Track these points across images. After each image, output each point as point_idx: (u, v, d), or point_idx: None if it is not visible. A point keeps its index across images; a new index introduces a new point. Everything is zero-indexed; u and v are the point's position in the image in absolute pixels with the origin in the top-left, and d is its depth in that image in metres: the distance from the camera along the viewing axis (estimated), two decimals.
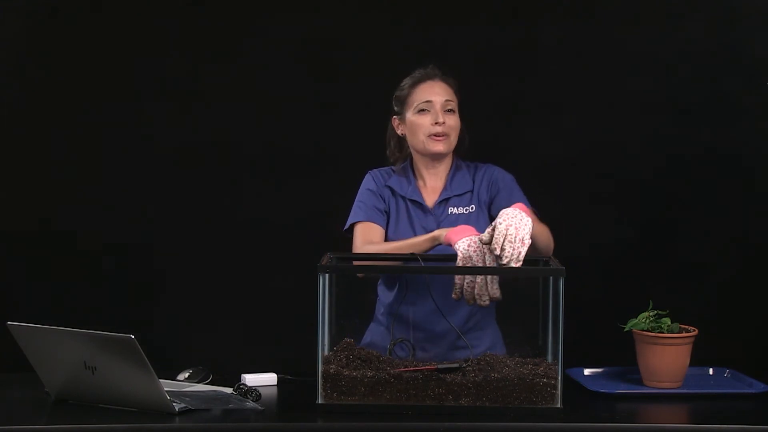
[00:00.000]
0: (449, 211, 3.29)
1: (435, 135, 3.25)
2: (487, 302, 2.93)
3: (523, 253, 2.84)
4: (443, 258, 3.09)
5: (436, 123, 3.25)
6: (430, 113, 3.26)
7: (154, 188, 4.42)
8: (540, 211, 3.23)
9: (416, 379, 2.77)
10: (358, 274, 3.24)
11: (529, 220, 2.88)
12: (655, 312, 2.99)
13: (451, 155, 3.34)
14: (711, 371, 3.15)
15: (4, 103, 4.38)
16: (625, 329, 3.00)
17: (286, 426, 2.75)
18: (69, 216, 4.39)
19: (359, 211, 3.30)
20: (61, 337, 2.76)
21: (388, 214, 3.31)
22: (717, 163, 4.36)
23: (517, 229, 2.84)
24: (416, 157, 3.34)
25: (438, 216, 3.28)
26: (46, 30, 4.37)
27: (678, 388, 2.96)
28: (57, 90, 4.37)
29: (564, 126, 4.37)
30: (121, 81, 4.37)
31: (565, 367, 2.79)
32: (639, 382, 3.00)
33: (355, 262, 3.17)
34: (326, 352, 2.82)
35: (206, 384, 3.04)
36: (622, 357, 3.09)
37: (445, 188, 3.32)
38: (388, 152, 3.41)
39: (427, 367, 2.80)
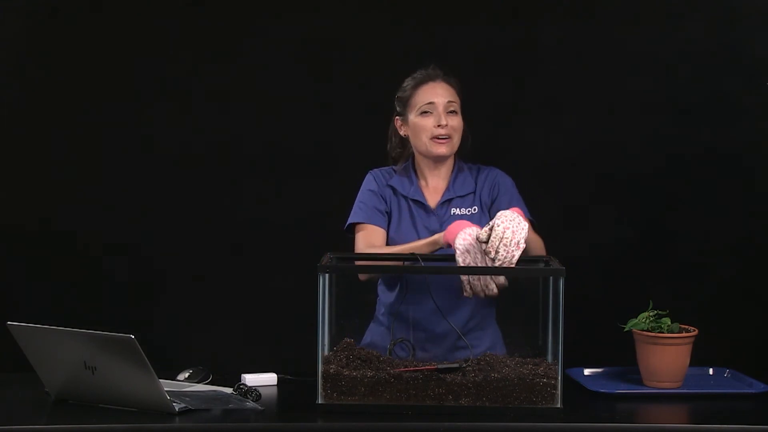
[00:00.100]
0: (452, 211, 3.29)
1: (438, 137, 3.25)
2: (495, 290, 2.97)
3: (517, 257, 2.86)
4: (443, 258, 3.09)
5: (438, 125, 3.25)
6: (432, 115, 3.26)
7: (154, 188, 4.41)
8: (540, 211, 3.23)
9: (416, 379, 2.77)
10: (360, 277, 3.24)
11: (526, 224, 2.89)
12: (655, 312, 2.98)
13: (453, 156, 3.34)
14: (711, 371, 3.15)
15: (4, 103, 4.38)
16: (625, 329, 3.00)
17: (286, 426, 2.75)
18: (69, 216, 4.39)
19: (359, 212, 3.30)
20: (61, 337, 2.76)
21: (389, 214, 3.31)
22: (717, 163, 4.36)
23: (514, 232, 2.86)
24: (418, 158, 3.34)
25: (441, 216, 3.28)
26: (46, 30, 4.37)
27: (678, 388, 2.96)
28: (57, 90, 4.37)
29: (564, 126, 4.37)
30: (121, 81, 4.37)
31: (565, 367, 2.79)
32: (639, 382, 3.00)
33: (358, 263, 3.16)
34: (326, 352, 2.82)
35: (206, 384, 3.04)
36: (622, 357, 3.09)
37: (447, 189, 3.32)
38: (389, 148, 3.40)
39: (427, 367, 2.80)
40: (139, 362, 2.66)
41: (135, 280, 4.43)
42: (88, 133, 4.40)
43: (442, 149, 3.26)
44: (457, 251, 2.93)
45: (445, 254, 3.07)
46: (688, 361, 2.98)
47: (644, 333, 2.95)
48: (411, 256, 3.08)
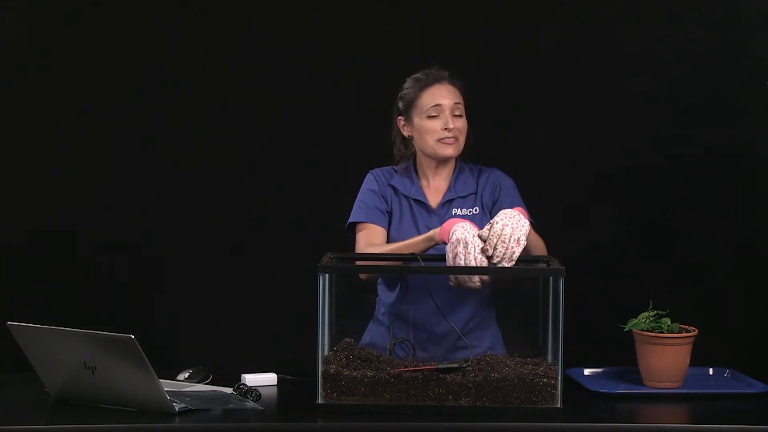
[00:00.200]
0: (453, 212, 3.29)
1: (445, 139, 3.25)
2: (478, 283, 3.01)
3: (517, 253, 2.87)
4: (443, 258, 3.08)
5: (446, 128, 3.25)
6: (439, 118, 3.26)
7: (154, 188, 4.41)
8: (540, 211, 3.23)
9: (416, 379, 2.77)
10: (360, 276, 3.24)
11: (526, 222, 2.90)
12: (655, 312, 2.98)
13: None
14: (711, 371, 3.15)
15: (4, 103, 4.38)
16: (625, 329, 3.00)
17: (286, 426, 2.75)
18: (69, 216, 4.39)
19: (360, 211, 3.30)
20: (61, 337, 2.76)
21: (390, 214, 3.31)
22: (717, 163, 4.36)
23: (513, 229, 2.86)
24: (421, 158, 3.34)
25: (442, 216, 3.28)
26: (46, 30, 4.37)
27: (678, 388, 2.96)
28: (57, 90, 4.37)
29: (564, 126, 4.37)
30: (121, 81, 4.37)
31: (565, 367, 2.79)
32: (639, 382, 3.00)
33: (358, 262, 3.16)
34: (326, 352, 2.82)
35: (206, 384, 3.04)
36: (622, 357, 3.09)
37: (449, 189, 3.32)
38: (395, 150, 3.40)
39: (427, 367, 2.80)
40: (139, 362, 2.66)
41: (135, 280, 4.43)
42: (88, 133, 4.40)
43: (449, 151, 3.27)
44: (453, 238, 2.91)
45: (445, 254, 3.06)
46: (688, 361, 2.98)
47: (644, 333, 2.95)
48: (411, 256, 3.08)
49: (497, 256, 2.85)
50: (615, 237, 4.38)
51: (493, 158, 3.43)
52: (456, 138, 3.26)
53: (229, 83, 4.40)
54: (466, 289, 3.10)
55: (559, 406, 2.75)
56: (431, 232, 3.09)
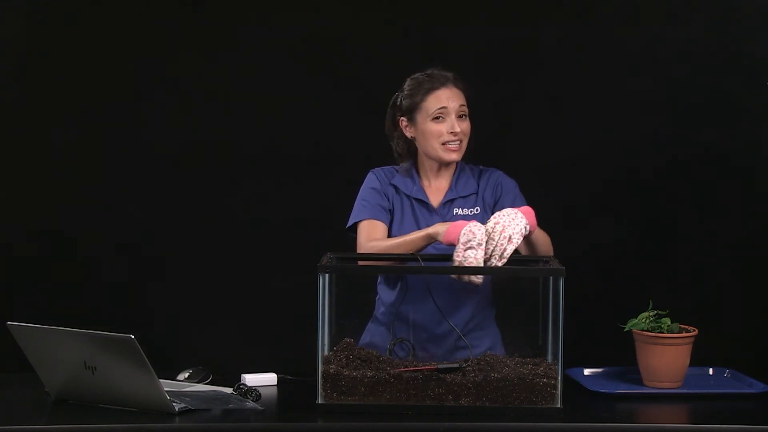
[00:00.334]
0: (454, 212, 3.29)
1: (449, 143, 3.25)
2: (477, 281, 2.97)
3: (509, 251, 2.88)
4: (443, 258, 3.09)
5: (451, 132, 3.24)
6: (445, 121, 3.25)
7: (154, 188, 4.42)
8: (540, 211, 3.22)
9: (416, 379, 2.77)
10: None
11: (523, 219, 2.90)
12: (655, 312, 2.98)
13: None
14: (711, 371, 3.15)
15: (4, 103, 4.38)
16: (625, 329, 3.00)
17: (286, 426, 2.75)
18: (69, 216, 4.39)
19: (363, 210, 3.29)
20: (61, 337, 2.76)
21: (392, 212, 3.31)
22: (717, 163, 4.36)
23: (504, 226, 2.87)
24: (423, 159, 3.34)
25: (443, 216, 3.28)
26: (46, 30, 4.37)
27: (678, 388, 2.96)
28: (57, 90, 4.37)
29: (564, 126, 4.37)
30: (121, 81, 4.38)
31: (565, 367, 2.79)
32: (639, 382, 3.00)
33: (360, 262, 3.16)
34: (326, 352, 2.82)
35: (206, 384, 3.04)
36: (622, 357, 3.08)
37: (450, 189, 3.32)
38: (395, 145, 3.37)
39: (427, 367, 2.80)
40: (139, 362, 2.66)
41: (135, 280, 4.43)
42: (88, 133, 4.40)
43: (453, 155, 3.26)
44: (460, 243, 2.90)
45: (446, 254, 3.06)
46: (688, 361, 2.98)
47: (644, 333, 2.95)
48: (411, 256, 3.08)
49: (487, 253, 2.86)
50: (615, 237, 4.38)
51: (494, 158, 3.43)
52: (460, 141, 3.26)
53: (229, 83, 4.40)
54: (467, 288, 3.09)
55: (559, 406, 2.75)
56: (432, 230, 3.08)
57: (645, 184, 4.38)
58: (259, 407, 2.78)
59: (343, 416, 2.73)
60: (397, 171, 3.36)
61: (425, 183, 3.34)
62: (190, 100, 4.40)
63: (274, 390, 2.99)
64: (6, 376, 3.14)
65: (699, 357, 3.02)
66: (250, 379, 3.00)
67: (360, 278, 3.26)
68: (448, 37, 4.35)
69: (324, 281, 2.80)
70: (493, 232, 2.89)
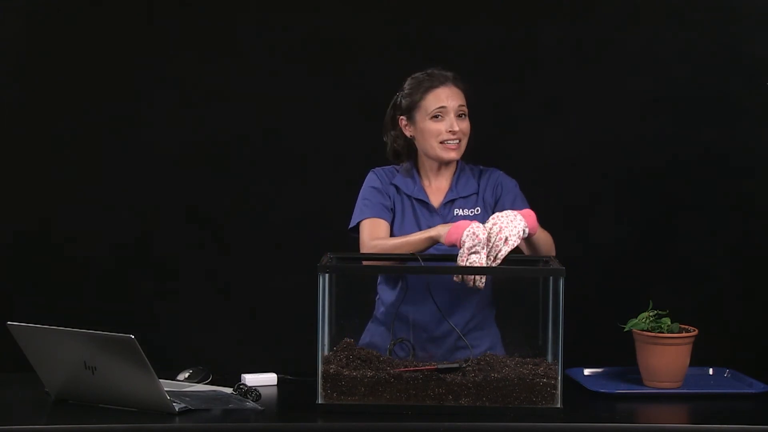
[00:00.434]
0: (455, 212, 3.29)
1: (448, 142, 3.25)
2: (480, 284, 2.96)
3: (504, 252, 2.88)
4: (443, 258, 3.09)
5: (450, 130, 3.24)
6: (444, 120, 3.25)
7: (154, 188, 4.41)
8: (540, 211, 3.22)
9: (416, 379, 2.77)
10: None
11: (522, 222, 2.90)
12: (655, 312, 2.98)
13: None
14: (711, 371, 3.15)
15: (4, 103, 4.38)
16: (625, 329, 3.00)
17: (286, 426, 2.75)
18: (69, 216, 4.39)
19: (365, 209, 3.29)
20: (61, 337, 2.76)
21: (393, 212, 3.31)
22: (717, 163, 4.36)
23: (501, 228, 2.88)
24: (422, 159, 3.34)
25: (444, 217, 3.28)
26: (46, 30, 4.37)
27: (678, 388, 2.96)
28: (57, 90, 4.37)
29: (564, 126, 4.37)
30: (121, 81, 4.38)
31: (565, 367, 2.79)
32: (639, 382, 3.00)
33: (361, 262, 3.16)
34: (326, 352, 2.82)
35: (206, 384, 3.04)
36: (622, 357, 3.08)
37: (450, 189, 3.31)
38: (394, 144, 3.36)
39: (427, 367, 2.80)
40: (139, 362, 2.66)
41: (135, 280, 4.43)
42: (88, 133, 4.40)
43: (452, 154, 3.26)
44: (464, 247, 2.90)
45: (446, 254, 3.07)
46: (688, 361, 2.98)
47: (644, 333, 2.95)
48: (411, 256, 3.08)
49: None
50: (615, 237, 4.38)
51: (494, 158, 3.42)
52: (459, 140, 3.26)
53: (229, 83, 4.40)
54: (467, 288, 3.09)
55: (559, 406, 2.75)
56: (434, 233, 3.07)
57: (645, 184, 4.38)
58: (259, 407, 2.78)
59: (343, 416, 2.73)
60: (398, 171, 3.36)
61: (425, 183, 3.34)
62: (190, 100, 4.40)
63: (274, 390, 2.99)
64: (6, 376, 3.14)
65: (699, 357, 3.02)
66: (250, 379, 3.00)
67: (360, 278, 3.26)
68: (448, 37, 4.35)
69: (324, 281, 2.80)
70: (490, 232, 2.89)
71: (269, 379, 3.03)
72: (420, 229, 3.24)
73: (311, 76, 4.39)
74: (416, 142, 3.32)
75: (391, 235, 3.28)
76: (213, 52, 4.39)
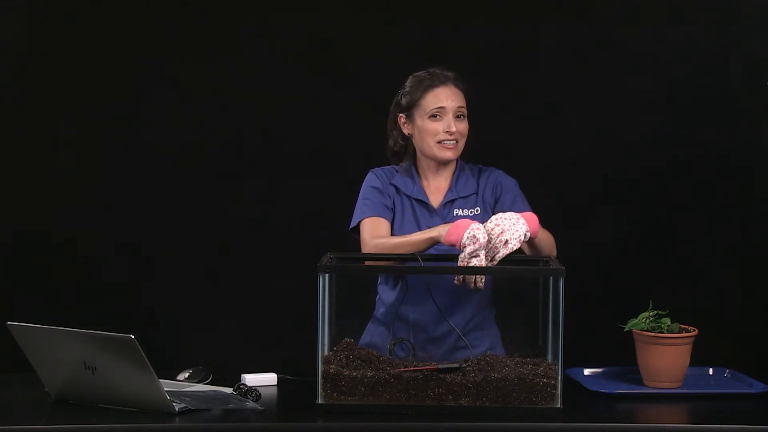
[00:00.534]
0: (455, 212, 3.28)
1: (445, 142, 3.25)
2: (480, 284, 2.96)
3: (502, 254, 2.89)
4: (443, 258, 3.09)
5: (447, 131, 3.24)
6: (442, 120, 3.25)
7: (154, 188, 4.42)
8: (540, 211, 3.22)
9: (416, 379, 2.77)
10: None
11: (524, 225, 2.90)
12: (655, 312, 2.98)
13: None
14: (711, 371, 3.15)
15: (4, 103, 4.38)
16: (625, 329, 3.00)
17: (286, 426, 2.75)
18: (69, 216, 4.39)
19: (366, 208, 3.29)
20: (61, 337, 2.76)
21: (393, 212, 3.31)
22: (717, 163, 4.36)
23: (503, 230, 2.88)
24: (421, 159, 3.34)
25: (444, 217, 3.28)
26: (46, 30, 4.37)
27: (678, 388, 2.96)
28: (57, 90, 4.37)
29: (564, 126, 4.37)
30: (121, 81, 4.38)
31: (565, 367, 2.79)
32: (639, 382, 3.00)
33: (365, 262, 3.16)
34: (326, 352, 2.82)
35: (206, 384, 3.04)
36: (622, 357, 3.08)
37: (450, 189, 3.31)
38: (391, 143, 3.37)
39: (427, 367, 2.80)
40: (139, 362, 2.66)
41: (135, 280, 4.43)
42: (88, 133, 4.40)
43: (448, 154, 3.26)
44: (466, 248, 2.90)
45: (446, 254, 3.07)
46: (688, 361, 2.98)
47: (644, 333, 2.95)
48: (411, 256, 3.08)
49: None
50: (615, 237, 4.38)
51: (494, 158, 3.42)
52: (456, 141, 3.26)
53: (229, 83, 4.40)
54: (467, 288, 3.09)
55: (559, 406, 2.75)
56: (435, 234, 3.07)
57: (645, 184, 4.38)
58: (259, 407, 2.78)
59: (343, 416, 2.73)
60: (397, 171, 3.36)
61: (425, 183, 3.33)
62: (190, 100, 4.40)
63: (274, 390, 2.99)
64: (6, 376, 3.14)
65: (699, 357, 3.02)
66: (250, 379, 3.00)
67: (360, 278, 3.26)
68: (448, 37, 4.35)
69: (324, 281, 2.80)
70: (491, 234, 2.89)
71: (269, 379, 3.03)
72: (420, 230, 3.24)
73: (311, 76, 4.39)
74: (414, 141, 3.32)
75: (392, 234, 3.28)
76: (213, 52, 4.39)
